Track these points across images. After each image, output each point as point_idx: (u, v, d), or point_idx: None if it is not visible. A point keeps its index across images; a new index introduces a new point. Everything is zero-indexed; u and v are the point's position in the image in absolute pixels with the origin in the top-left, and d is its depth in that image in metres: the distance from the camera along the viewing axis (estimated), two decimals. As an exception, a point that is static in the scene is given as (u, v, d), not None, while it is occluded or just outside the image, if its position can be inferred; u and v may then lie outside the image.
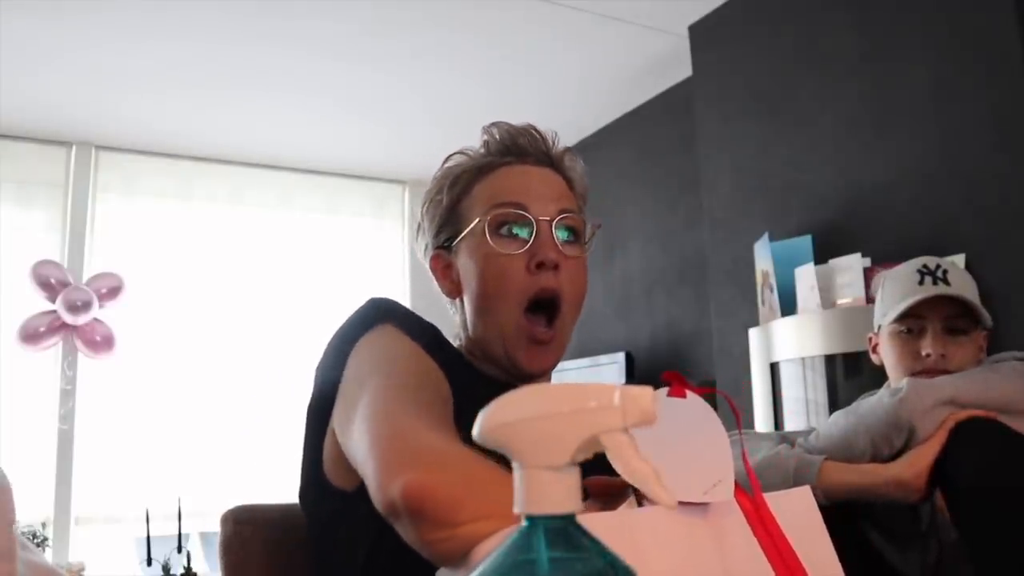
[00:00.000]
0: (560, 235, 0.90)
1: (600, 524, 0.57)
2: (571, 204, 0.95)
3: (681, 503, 0.61)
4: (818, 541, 0.66)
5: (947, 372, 1.28)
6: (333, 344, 0.87)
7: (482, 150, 0.97)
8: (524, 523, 0.37)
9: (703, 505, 0.61)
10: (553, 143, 0.98)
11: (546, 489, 0.36)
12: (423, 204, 1.00)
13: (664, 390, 0.70)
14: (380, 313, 0.87)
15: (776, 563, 0.61)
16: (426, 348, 0.84)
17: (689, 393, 0.69)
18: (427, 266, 1.00)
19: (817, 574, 0.63)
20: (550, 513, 0.36)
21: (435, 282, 0.99)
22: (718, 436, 0.67)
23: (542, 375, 0.91)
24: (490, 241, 0.88)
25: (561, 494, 0.36)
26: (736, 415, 0.71)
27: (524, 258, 0.88)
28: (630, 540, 0.58)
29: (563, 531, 0.36)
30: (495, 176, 0.93)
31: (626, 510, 0.61)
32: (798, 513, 0.66)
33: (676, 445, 0.64)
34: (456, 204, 0.95)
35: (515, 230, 0.89)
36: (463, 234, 0.92)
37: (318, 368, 0.88)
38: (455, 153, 0.99)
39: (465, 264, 0.92)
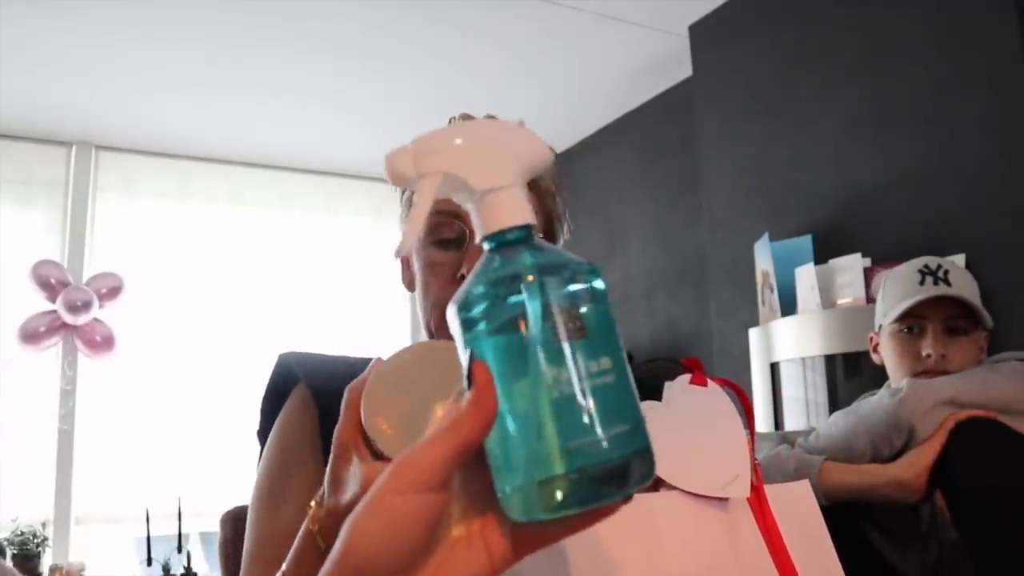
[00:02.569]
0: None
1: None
2: None
3: (699, 495, 0.61)
4: (816, 535, 0.66)
5: (947, 372, 1.28)
6: (261, 410, 0.90)
7: None
8: (487, 245, 0.41)
9: (721, 500, 0.61)
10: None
11: (501, 205, 0.41)
12: (401, 197, 0.99)
13: (686, 376, 0.69)
14: (286, 379, 0.89)
15: (779, 562, 0.61)
16: (327, 392, 0.84)
17: (711, 383, 0.69)
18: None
19: (813, 569, 0.63)
20: (509, 225, 0.40)
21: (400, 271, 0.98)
22: (736, 430, 0.67)
23: None
24: (422, 249, 0.88)
25: (516, 207, 0.41)
26: (749, 413, 0.70)
27: (452, 268, 0.86)
28: (647, 522, 0.58)
29: (528, 240, 0.41)
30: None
31: (643, 495, 0.61)
32: (798, 506, 0.66)
33: (695, 435, 0.65)
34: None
35: (450, 237, 0.86)
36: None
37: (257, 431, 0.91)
38: None
39: (413, 264, 0.92)
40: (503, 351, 0.38)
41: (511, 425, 0.38)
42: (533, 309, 0.37)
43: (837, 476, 1.19)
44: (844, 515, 1.22)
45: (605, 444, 0.37)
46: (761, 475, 0.65)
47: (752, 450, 0.66)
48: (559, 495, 0.37)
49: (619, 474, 0.38)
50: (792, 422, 2.18)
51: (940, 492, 1.15)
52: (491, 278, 0.39)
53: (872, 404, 1.24)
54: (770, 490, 0.65)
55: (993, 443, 1.10)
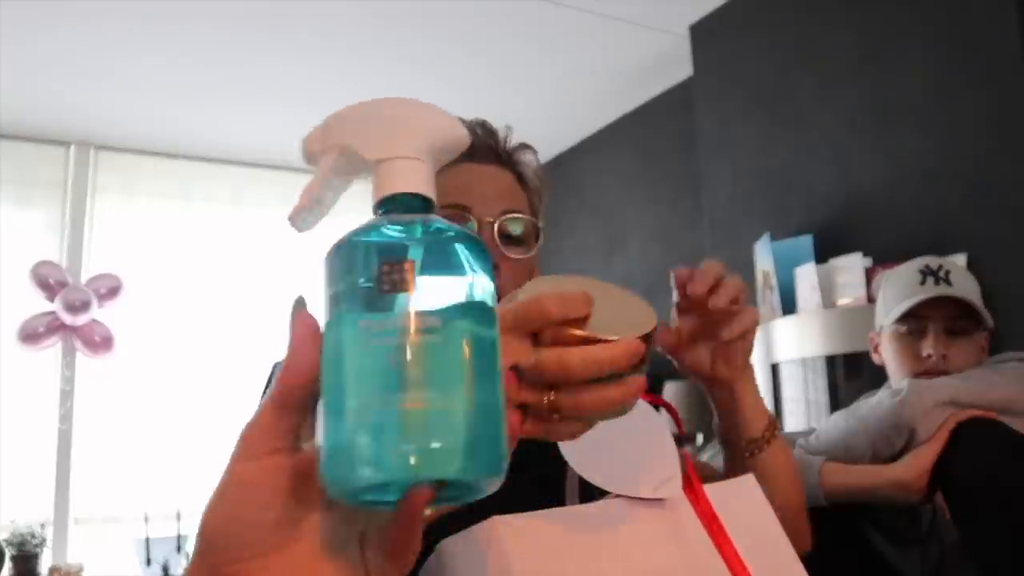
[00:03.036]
0: (502, 236, 0.88)
1: (562, 516, 0.59)
2: (519, 202, 0.92)
3: (635, 499, 0.63)
4: (763, 522, 0.68)
5: (948, 373, 1.28)
6: None
7: None
8: (380, 212, 0.39)
9: (657, 501, 0.64)
10: (504, 139, 0.95)
11: (402, 173, 0.39)
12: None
13: None
14: None
15: (728, 556, 0.62)
16: None
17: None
18: None
19: (766, 560, 0.64)
20: (406, 191, 0.39)
21: None
22: (663, 436, 0.70)
23: None
24: None
25: (419, 177, 0.40)
26: (678, 424, 0.74)
27: None
28: (590, 531, 0.59)
29: (423, 208, 0.39)
30: (441, 176, 0.92)
31: (579, 506, 0.63)
32: (741, 498, 0.69)
33: (624, 442, 0.68)
34: None
35: None
36: None
37: None
38: None
39: None
40: (343, 314, 0.35)
41: (334, 393, 0.34)
42: (372, 271, 0.35)
43: (837, 477, 1.19)
44: (844, 516, 1.22)
45: (423, 416, 0.32)
46: (696, 474, 0.67)
47: (687, 456, 0.69)
48: (367, 475, 0.32)
49: (443, 454, 0.32)
50: (792, 423, 2.17)
51: (941, 493, 1.14)
52: (357, 239, 0.38)
53: (872, 405, 1.24)
54: (713, 488, 0.67)
55: (993, 443, 1.10)
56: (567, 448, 0.64)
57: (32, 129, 3.73)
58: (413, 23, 2.89)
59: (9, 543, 3.18)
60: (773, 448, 0.82)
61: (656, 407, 0.75)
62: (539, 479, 0.76)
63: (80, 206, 3.84)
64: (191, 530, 3.32)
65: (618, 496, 0.63)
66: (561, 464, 0.66)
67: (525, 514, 0.58)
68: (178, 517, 3.26)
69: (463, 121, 0.94)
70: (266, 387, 0.89)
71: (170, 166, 4.05)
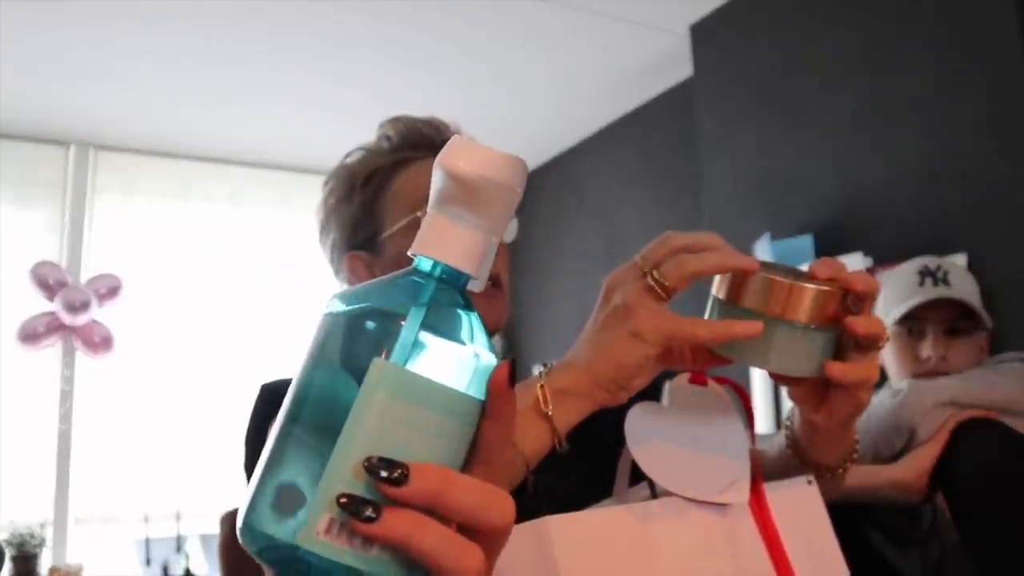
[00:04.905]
0: None
1: (615, 517, 0.57)
2: None
3: (697, 501, 0.59)
4: (821, 536, 0.65)
5: (947, 374, 1.28)
6: (248, 443, 0.85)
7: (384, 145, 0.94)
8: (428, 265, 0.39)
9: (718, 505, 0.60)
10: (457, 132, 0.95)
11: (479, 250, 0.39)
12: (326, 204, 0.97)
13: (685, 375, 0.67)
14: (274, 409, 0.85)
15: (779, 568, 0.60)
16: None
17: (710, 382, 0.67)
18: (338, 266, 0.97)
19: (816, 572, 0.61)
20: (462, 268, 0.38)
21: (349, 282, 0.95)
22: (736, 432, 0.64)
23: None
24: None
25: (480, 257, 0.39)
26: (749, 415, 0.67)
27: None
28: (643, 530, 0.57)
29: (460, 285, 0.39)
30: (414, 171, 0.91)
31: (634, 505, 0.60)
32: (802, 507, 0.65)
33: (693, 437, 0.63)
34: (373, 202, 0.92)
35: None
36: (390, 231, 0.90)
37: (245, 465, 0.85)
38: (355, 150, 0.97)
39: (398, 261, 0.89)
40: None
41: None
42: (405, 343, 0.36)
43: (837, 477, 1.19)
44: (845, 516, 1.22)
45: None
46: (762, 478, 0.63)
47: (756, 458, 0.64)
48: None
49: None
50: (792, 422, 2.17)
51: (941, 493, 1.14)
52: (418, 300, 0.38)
53: (873, 405, 1.24)
54: (774, 489, 0.63)
55: (993, 443, 1.10)
56: (634, 440, 0.60)
57: (32, 129, 3.73)
58: (412, 23, 2.89)
59: (9, 543, 3.18)
60: (840, 477, 0.71)
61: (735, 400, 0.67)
62: (594, 437, 0.72)
63: (80, 206, 3.84)
64: (191, 530, 3.32)
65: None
66: (621, 434, 0.62)
67: (576, 513, 0.56)
68: (178, 517, 3.25)
69: (416, 119, 0.94)
70: (258, 412, 0.85)
71: (169, 166, 4.05)
